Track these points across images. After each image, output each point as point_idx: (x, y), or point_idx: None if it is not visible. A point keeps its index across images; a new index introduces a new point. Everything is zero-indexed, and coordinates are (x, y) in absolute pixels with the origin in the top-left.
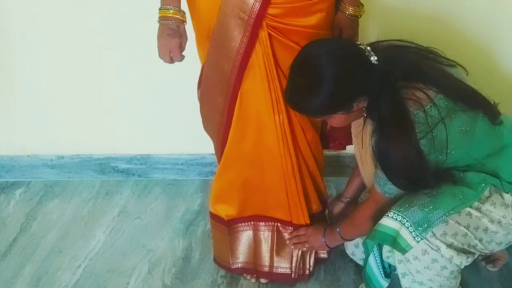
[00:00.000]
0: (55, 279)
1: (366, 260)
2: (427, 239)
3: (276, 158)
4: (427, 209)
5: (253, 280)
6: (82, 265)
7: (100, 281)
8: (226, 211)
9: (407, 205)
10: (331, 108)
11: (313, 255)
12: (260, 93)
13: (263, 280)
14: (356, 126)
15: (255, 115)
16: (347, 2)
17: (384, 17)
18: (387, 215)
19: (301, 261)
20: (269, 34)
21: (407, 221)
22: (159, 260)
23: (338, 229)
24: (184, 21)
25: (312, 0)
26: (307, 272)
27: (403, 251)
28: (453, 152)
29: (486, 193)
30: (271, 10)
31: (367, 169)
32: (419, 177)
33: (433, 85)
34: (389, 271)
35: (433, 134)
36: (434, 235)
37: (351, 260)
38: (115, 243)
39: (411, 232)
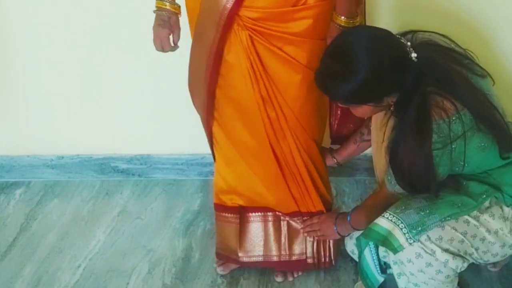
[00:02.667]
0: (55, 279)
1: (360, 254)
2: (421, 242)
3: (271, 153)
4: (423, 213)
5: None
6: (82, 265)
7: (100, 281)
8: (235, 200)
9: (403, 207)
10: (362, 99)
11: (330, 242)
12: (244, 93)
13: (278, 279)
14: (378, 121)
15: (244, 114)
16: (340, 11)
17: (392, 11)
18: (383, 216)
19: (318, 247)
20: (251, 37)
21: (402, 222)
22: (159, 260)
23: (349, 218)
24: (176, 13)
25: (295, 7)
26: (326, 259)
27: (395, 251)
28: (467, 165)
29: (486, 204)
30: (250, 14)
31: (381, 163)
32: (422, 183)
33: (460, 100)
34: (385, 267)
35: (452, 147)
36: (429, 238)
37: (351, 260)
38: (115, 243)
39: (404, 234)
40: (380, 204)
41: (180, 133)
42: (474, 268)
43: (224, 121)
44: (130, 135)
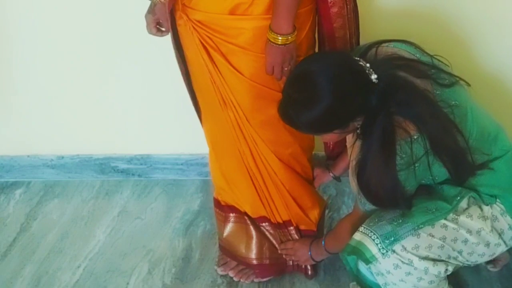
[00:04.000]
0: (55, 279)
1: (351, 269)
2: (397, 253)
3: (236, 152)
4: (395, 223)
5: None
6: (82, 265)
7: (100, 281)
8: (220, 196)
9: (376, 220)
10: (327, 126)
11: None
12: (207, 88)
13: (256, 280)
14: (350, 138)
15: (211, 107)
16: (274, 28)
17: (380, 16)
18: (358, 230)
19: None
20: (199, 39)
21: (374, 233)
22: (159, 260)
23: (323, 242)
24: (162, 2)
25: (233, 15)
26: (303, 266)
27: (367, 261)
28: (437, 178)
29: (464, 205)
30: (194, 15)
31: (353, 182)
32: (391, 201)
33: (420, 123)
34: None
35: (416, 165)
36: (405, 249)
37: None
38: (115, 243)
39: (376, 244)
40: (354, 225)
41: (180, 133)
42: (474, 268)
43: (202, 110)
44: (130, 135)
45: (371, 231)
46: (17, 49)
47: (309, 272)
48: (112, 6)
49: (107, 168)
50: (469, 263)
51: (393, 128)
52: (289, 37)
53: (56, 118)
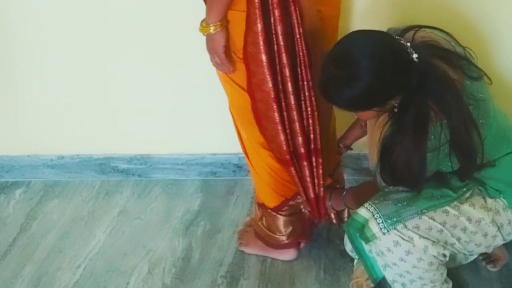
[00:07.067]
0: (55, 279)
1: (352, 245)
2: (398, 230)
3: None
4: (400, 204)
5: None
6: (82, 265)
7: (100, 281)
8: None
9: (382, 198)
10: (367, 104)
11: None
12: None
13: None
14: (373, 120)
15: None
16: (205, 18)
17: (387, 7)
18: (363, 205)
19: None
20: None
21: (377, 212)
22: (159, 260)
23: (344, 193)
24: None
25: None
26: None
27: (367, 240)
28: (453, 166)
29: (467, 194)
30: None
31: (375, 158)
32: (410, 182)
33: (447, 116)
34: None
35: (441, 149)
36: (406, 226)
37: (352, 260)
38: (115, 243)
39: (378, 223)
40: (373, 190)
41: (180, 133)
42: (474, 268)
43: None
44: (130, 135)
45: (375, 209)
46: (17, 49)
47: (334, 221)
48: (113, 7)
49: (107, 168)
50: (465, 251)
51: (428, 110)
52: (210, 28)
53: (56, 118)
